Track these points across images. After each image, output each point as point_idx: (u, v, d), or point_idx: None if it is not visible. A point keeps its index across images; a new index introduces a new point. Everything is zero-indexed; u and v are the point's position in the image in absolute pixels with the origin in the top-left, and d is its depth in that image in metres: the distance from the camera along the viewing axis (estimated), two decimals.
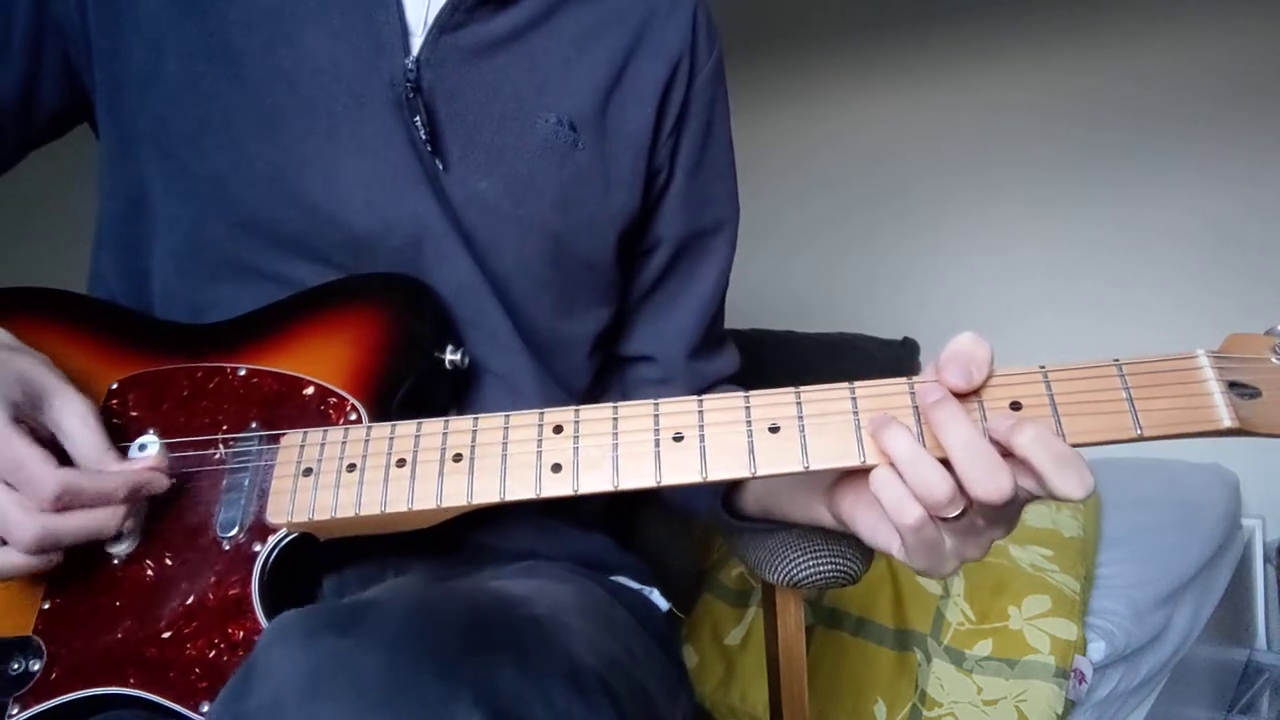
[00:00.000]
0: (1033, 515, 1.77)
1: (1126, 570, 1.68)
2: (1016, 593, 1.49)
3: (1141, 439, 0.54)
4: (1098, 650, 1.46)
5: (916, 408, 0.59)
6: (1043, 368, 0.57)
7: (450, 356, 0.76)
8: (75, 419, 0.66)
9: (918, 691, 1.42)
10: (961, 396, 0.57)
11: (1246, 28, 2.39)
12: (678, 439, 0.61)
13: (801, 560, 0.87)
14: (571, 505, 0.64)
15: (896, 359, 2.15)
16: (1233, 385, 0.55)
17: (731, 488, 0.87)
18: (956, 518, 0.56)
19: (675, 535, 1.32)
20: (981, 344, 0.58)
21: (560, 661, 0.55)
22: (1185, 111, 2.47)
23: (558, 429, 0.63)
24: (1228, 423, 0.53)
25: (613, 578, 0.88)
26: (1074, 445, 0.55)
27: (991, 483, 0.54)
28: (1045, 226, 2.63)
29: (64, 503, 0.61)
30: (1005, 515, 0.58)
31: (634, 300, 0.95)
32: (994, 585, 1.50)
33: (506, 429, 0.64)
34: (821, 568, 0.86)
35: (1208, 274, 2.42)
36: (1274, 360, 0.56)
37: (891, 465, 0.57)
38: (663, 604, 0.90)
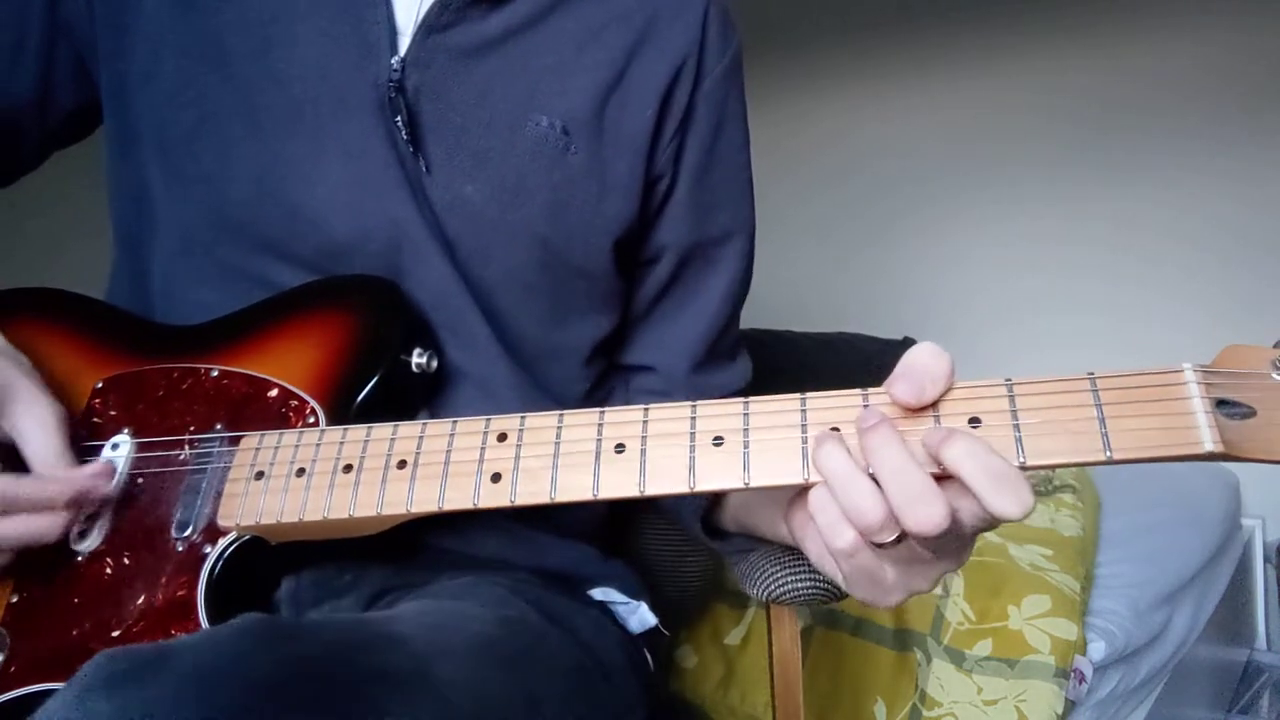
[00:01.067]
0: (1032, 514, 1.68)
1: (1126, 570, 1.58)
2: (1016, 592, 1.39)
3: (1111, 462, 0.45)
4: (1098, 650, 1.37)
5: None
6: (1008, 380, 0.48)
7: (417, 359, 0.69)
8: (33, 424, 0.62)
9: (918, 691, 1.34)
10: (918, 411, 0.48)
11: (1248, 26, 2.27)
12: (619, 450, 0.53)
13: (780, 575, 0.79)
14: (548, 510, 0.57)
15: (896, 359, 2.04)
16: (1221, 404, 0.44)
17: (713, 504, 0.78)
18: (893, 544, 0.47)
19: (687, 541, 1.23)
20: (941, 357, 0.49)
21: None
22: (1188, 110, 2.35)
23: (502, 437, 0.56)
24: (1209, 446, 0.43)
25: (593, 590, 0.80)
26: (1035, 466, 0.46)
27: (922, 512, 0.45)
28: (1047, 226, 2.52)
29: (1, 508, 0.58)
30: (951, 547, 0.49)
31: (638, 309, 0.86)
32: (993, 585, 1.41)
33: (452, 435, 0.57)
34: (799, 585, 0.79)
35: (1212, 273, 2.30)
36: (1276, 376, 0.45)
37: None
38: (649, 619, 0.82)
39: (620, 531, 1.00)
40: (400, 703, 0.50)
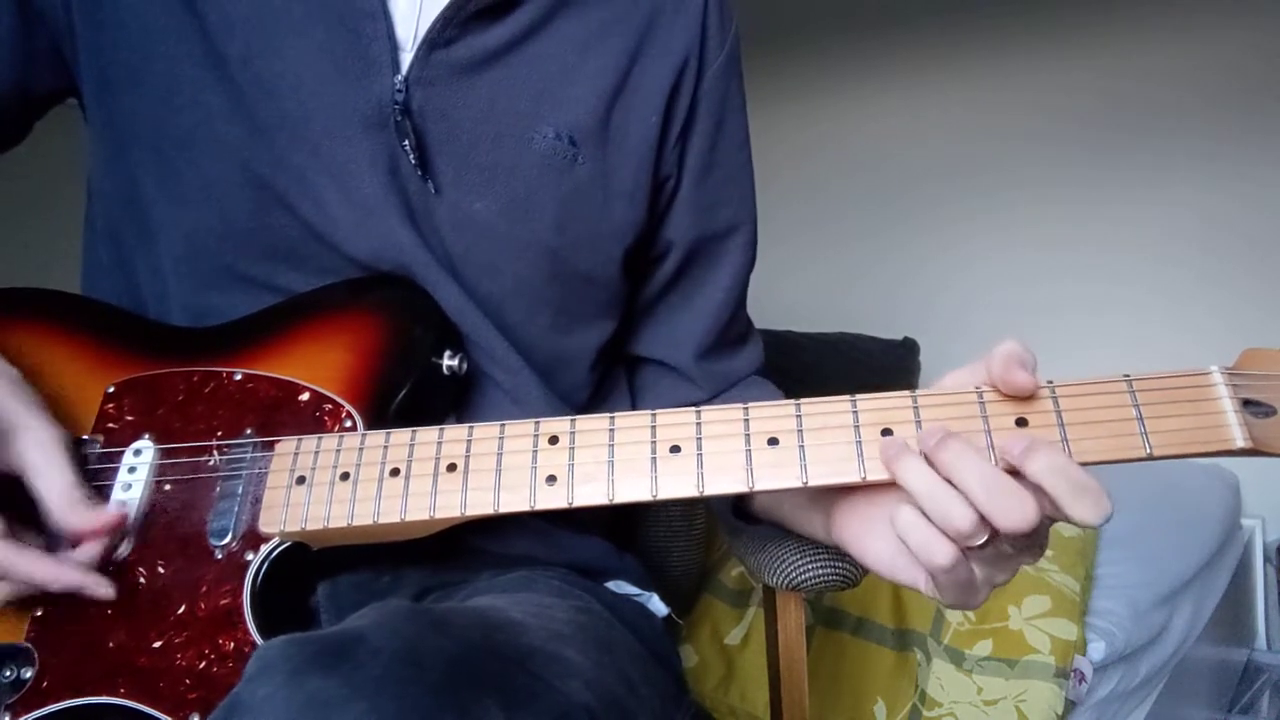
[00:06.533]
0: None
1: (1126, 570, 1.66)
2: (1016, 592, 1.47)
3: (1151, 458, 0.52)
4: (1098, 650, 1.45)
5: (919, 421, 0.56)
6: (1050, 383, 0.55)
7: (449, 362, 0.74)
8: (43, 457, 0.64)
9: (918, 691, 1.41)
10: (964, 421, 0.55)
11: (1254, 25, 2.35)
12: (674, 451, 0.59)
13: (800, 563, 0.85)
14: (569, 509, 0.62)
15: (896, 359, 2.13)
16: (1247, 403, 0.52)
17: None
18: (982, 546, 0.52)
19: (676, 535, 1.30)
20: (1027, 349, 0.54)
21: (552, 704, 0.53)
22: (1193, 111, 2.43)
23: (553, 440, 0.61)
24: (1241, 443, 0.50)
25: (610, 583, 0.86)
26: (1081, 464, 0.52)
27: (1016, 513, 0.50)
28: (1049, 228, 2.60)
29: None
30: (1035, 540, 0.54)
31: (643, 303, 0.91)
32: None
33: (502, 439, 0.62)
34: (820, 571, 0.84)
35: (1219, 274, 2.38)
36: None
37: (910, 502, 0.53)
38: (661, 609, 0.87)
39: (628, 526, 1.06)
40: (554, 675, 0.55)
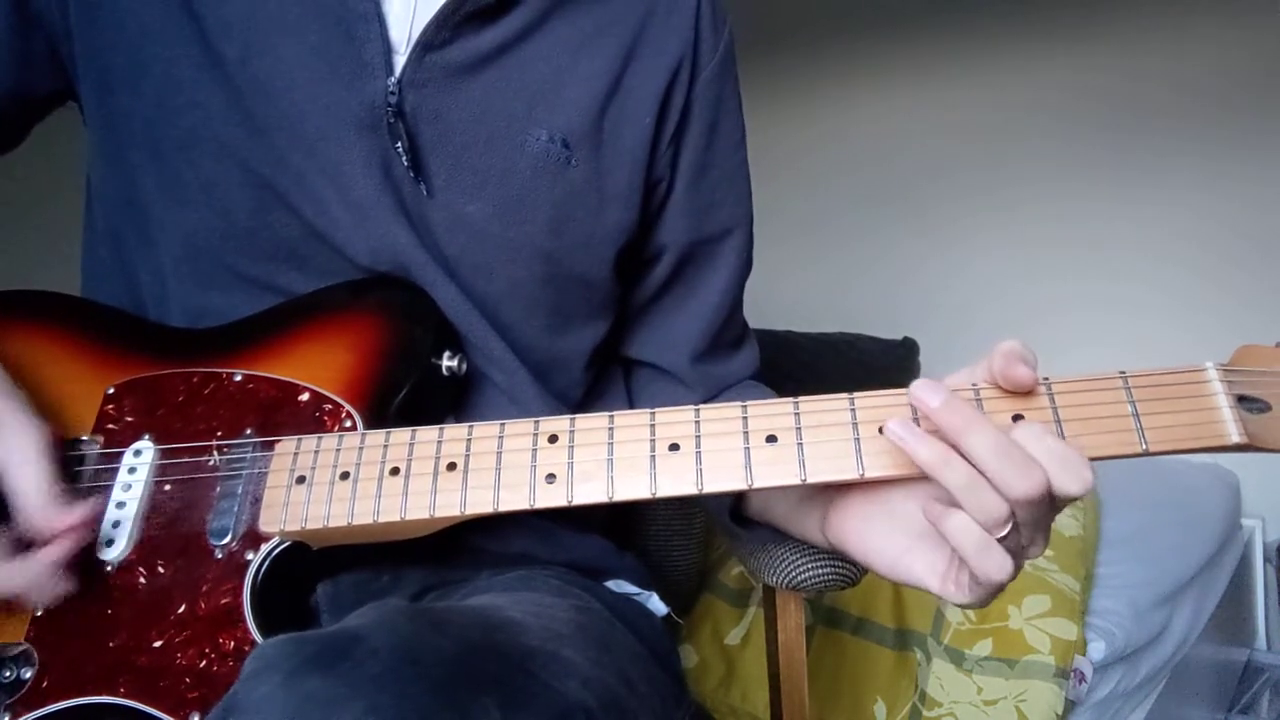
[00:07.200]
0: None
1: (1126, 570, 1.67)
2: (1016, 592, 1.48)
3: (1147, 454, 0.52)
4: (1098, 650, 1.46)
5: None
6: (1046, 379, 0.55)
7: (448, 363, 0.74)
8: (19, 455, 0.63)
9: (918, 691, 1.41)
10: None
11: (1257, 26, 2.36)
12: (674, 449, 0.59)
13: (801, 563, 0.85)
14: (568, 508, 0.62)
15: (896, 359, 2.14)
16: (1242, 399, 0.52)
17: (738, 497, 0.84)
18: (1005, 538, 0.52)
19: (676, 534, 1.31)
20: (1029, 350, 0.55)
21: (550, 704, 0.53)
22: (1192, 110, 2.43)
23: (553, 438, 0.62)
24: (1236, 438, 0.51)
25: (610, 582, 0.86)
26: None
27: (1028, 479, 0.50)
28: (1048, 227, 2.60)
29: None
30: (1043, 524, 0.54)
31: (637, 304, 0.92)
32: None
33: (501, 438, 0.63)
34: (820, 571, 0.85)
35: (1216, 273, 2.39)
36: None
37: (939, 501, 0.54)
38: (661, 609, 0.88)
39: (629, 525, 1.06)
40: (552, 675, 0.55)
